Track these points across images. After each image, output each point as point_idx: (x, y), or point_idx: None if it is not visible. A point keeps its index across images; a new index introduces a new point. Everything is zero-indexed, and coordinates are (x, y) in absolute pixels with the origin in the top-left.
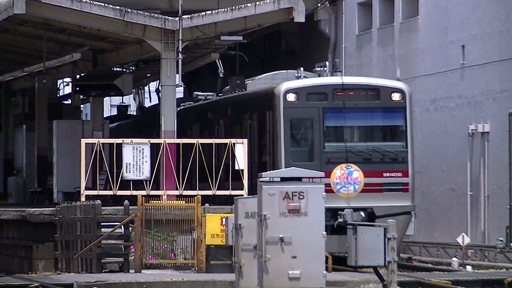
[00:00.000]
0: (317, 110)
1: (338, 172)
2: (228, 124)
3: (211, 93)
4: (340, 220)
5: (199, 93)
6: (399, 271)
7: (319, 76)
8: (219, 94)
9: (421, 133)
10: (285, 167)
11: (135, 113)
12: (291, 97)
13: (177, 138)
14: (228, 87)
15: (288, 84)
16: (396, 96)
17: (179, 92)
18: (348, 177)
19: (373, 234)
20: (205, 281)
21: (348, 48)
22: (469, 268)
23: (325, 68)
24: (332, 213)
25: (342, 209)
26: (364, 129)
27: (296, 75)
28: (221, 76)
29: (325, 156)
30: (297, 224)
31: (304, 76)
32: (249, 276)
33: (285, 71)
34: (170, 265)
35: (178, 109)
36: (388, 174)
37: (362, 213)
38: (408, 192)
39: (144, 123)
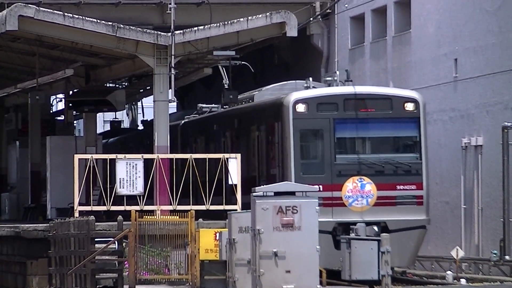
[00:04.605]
0: (328, 121)
1: (350, 185)
2: (235, 136)
3: (216, 105)
4: (352, 235)
5: (204, 105)
6: (393, 285)
7: (329, 86)
8: (224, 106)
9: None
10: (295, 180)
11: (130, 127)
12: (300, 107)
13: (181, 151)
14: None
15: (297, 94)
16: (409, 106)
17: (172, 107)
18: (361, 190)
19: (367, 248)
20: None
21: (340, 62)
22: (463, 281)
23: (335, 78)
24: (343, 227)
25: (354, 223)
26: (377, 140)
27: (305, 85)
28: (226, 87)
29: (336, 168)
30: (291, 238)
31: (313, 86)
32: None
33: (293, 81)
34: (164, 280)
35: (183, 121)
36: (401, 187)
37: (375, 228)
38: (422, 205)
39: (145, 137)
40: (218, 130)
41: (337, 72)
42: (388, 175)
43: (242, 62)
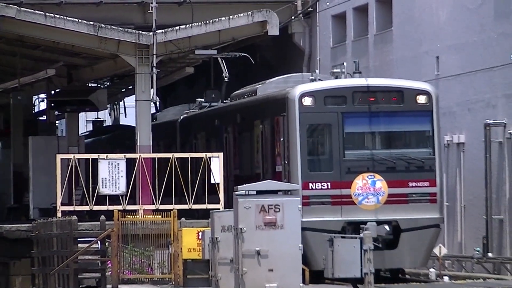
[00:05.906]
0: (336, 115)
1: (360, 182)
2: (238, 131)
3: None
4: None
5: (203, 100)
6: (377, 283)
7: (336, 78)
8: (224, 101)
9: None
10: (301, 177)
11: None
12: (307, 101)
13: (180, 148)
14: (237, 91)
15: (303, 87)
16: (421, 99)
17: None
18: (371, 187)
19: (350, 246)
20: None
21: (322, 60)
22: (446, 278)
23: (343, 70)
24: (353, 227)
25: (365, 223)
26: (388, 135)
27: (311, 77)
28: (226, 80)
29: (345, 165)
30: (274, 237)
31: (319, 79)
32: None
33: (299, 73)
34: (147, 279)
35: (182, 117)
36: (414, 184)
37: (387, 227)
38: (436, 203)
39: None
40: (219, 125)
41: (345, 64)
42: (400, 171)
43: (243, 54)
